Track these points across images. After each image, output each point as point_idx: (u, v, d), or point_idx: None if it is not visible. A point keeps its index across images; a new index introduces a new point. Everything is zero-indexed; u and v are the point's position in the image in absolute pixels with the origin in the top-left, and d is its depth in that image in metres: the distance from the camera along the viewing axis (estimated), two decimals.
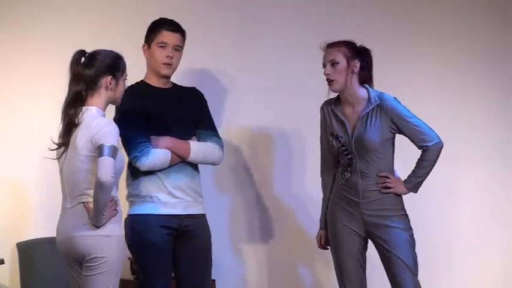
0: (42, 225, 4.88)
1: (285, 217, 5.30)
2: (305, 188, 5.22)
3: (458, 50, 5.32)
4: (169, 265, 4.12)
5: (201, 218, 4.19)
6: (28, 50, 5.14)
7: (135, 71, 4.19)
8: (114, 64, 3.80)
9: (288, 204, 5.29)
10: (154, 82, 4.19)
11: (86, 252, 3.70)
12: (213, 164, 4.26)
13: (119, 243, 3.74)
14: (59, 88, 3.90)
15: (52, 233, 3.96)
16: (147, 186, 4.10)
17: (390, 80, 4.75)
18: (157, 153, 4.04)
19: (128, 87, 4.02)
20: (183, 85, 4.38)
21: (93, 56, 3.79)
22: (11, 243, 5.08)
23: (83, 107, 3.77)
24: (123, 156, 3.84)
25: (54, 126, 3.84)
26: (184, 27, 4.33)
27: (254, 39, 5.29)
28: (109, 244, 3.70)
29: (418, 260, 4.15)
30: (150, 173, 4.08)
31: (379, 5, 5.37)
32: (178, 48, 4.17)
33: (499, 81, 5.38)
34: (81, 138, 3.71)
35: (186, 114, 4.18)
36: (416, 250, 4.15)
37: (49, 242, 4.37)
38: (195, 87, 4.34)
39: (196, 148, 4.12)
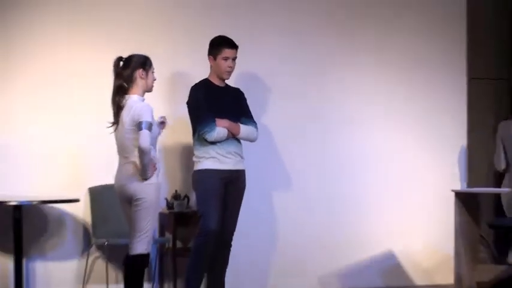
0: (108, 174, 5.09)
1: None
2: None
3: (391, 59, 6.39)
4: (222, 202, 5.36)
5: (243, 172, 5.53)
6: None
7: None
8: (144, 61, 4.80)
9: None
10: (216, 81, 5.49)
11: (133, 194, 4.64)
12: (251, 141, 5.58)
13: (156, 188, 4.65)
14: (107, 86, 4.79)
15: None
16: (210, 150, 5.35)
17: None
18: (220, 130, 5.33)
19: (200, 82, 5.34)
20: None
21: (129, 59, 4.75)
22: (85, 187, 5.85)
23: (126, 95, 4.66)
24: (157, 126, 4.77)
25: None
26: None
27: (252, 45, 6.14)
28: (149, 189, 4.63)
29: None
30: (212, 142, 5.29)
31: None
32: (235, 59, 5.42)
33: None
34: (126, 117, 4.62)
35: (233, 106, 5.50)
36: None
37: (113, 187, 4.93)
38: (238, 88, 5.61)
39: (244, 129, 5.46)
